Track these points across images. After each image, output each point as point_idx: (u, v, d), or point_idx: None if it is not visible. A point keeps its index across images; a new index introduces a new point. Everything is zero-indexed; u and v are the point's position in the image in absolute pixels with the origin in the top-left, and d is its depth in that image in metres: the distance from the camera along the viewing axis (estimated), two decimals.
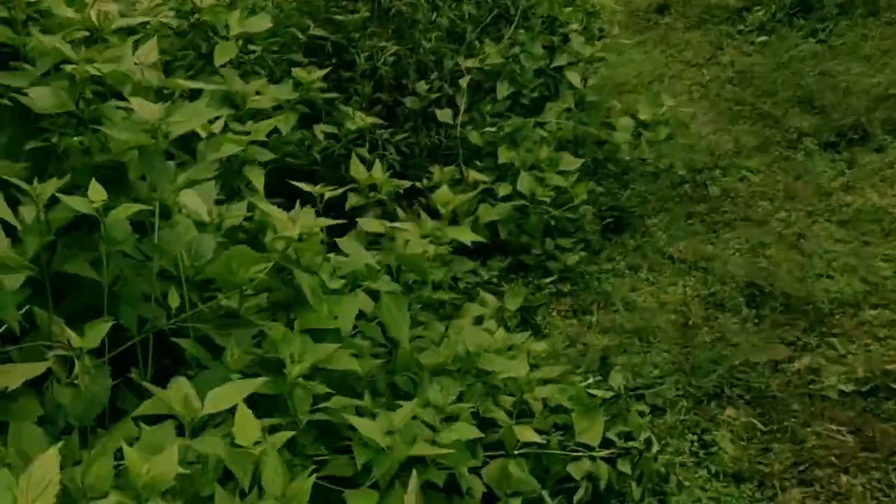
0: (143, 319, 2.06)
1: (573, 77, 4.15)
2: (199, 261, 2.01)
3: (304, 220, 2.07)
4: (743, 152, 4.88)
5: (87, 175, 2.15)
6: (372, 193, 3.46)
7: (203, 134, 2.41)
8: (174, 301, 1.95)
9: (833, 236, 4.06)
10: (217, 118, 2.32)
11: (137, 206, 1.85)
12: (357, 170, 3.32)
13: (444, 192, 2.56)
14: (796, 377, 3.20)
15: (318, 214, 2.79)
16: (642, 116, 4.09)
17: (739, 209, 4.36)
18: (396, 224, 2.43)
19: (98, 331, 1.83)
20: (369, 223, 2.47)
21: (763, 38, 6.27)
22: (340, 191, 2.60)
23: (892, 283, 3.67)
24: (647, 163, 4.41)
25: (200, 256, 2.00)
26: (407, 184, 3.55)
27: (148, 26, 3.42)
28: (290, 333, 2.10)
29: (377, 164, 3.41)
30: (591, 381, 2.96)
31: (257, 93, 3.29)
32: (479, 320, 3.41)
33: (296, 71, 3.39)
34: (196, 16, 3.31)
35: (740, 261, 3.94)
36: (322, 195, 2.59)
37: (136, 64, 2.09)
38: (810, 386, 3.15)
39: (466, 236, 2.49)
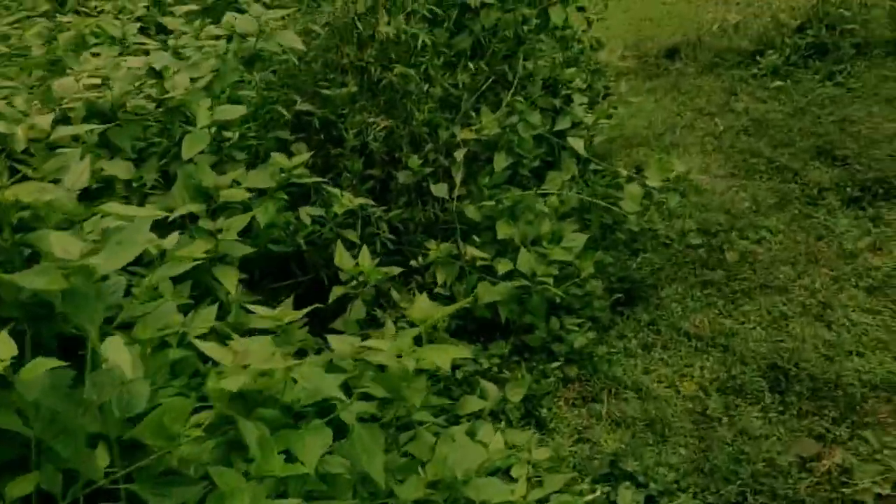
0: (73, 476, 1.79)
1: (576, 143, 3.86)
2: (132, 411, 1.74)
3: (257, 359, 1.79)
4: (760, 210, 4.55)
5: (16, 310, 1.91)
6: (361, 276, 3.21)
7: (153, 251, 2.16)
8: (102, 460, 1.68)
9: (861, 306, 3.71)
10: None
11: (52, 362, 1.58)
12: (342, 259, 3.06)
13: (421, 306, 2.27)
14: (826, 478, 2.84)
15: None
16: (651, 183, 3.77)
17: (759, 275, 4.01)
18: (367, 343, 2.14)
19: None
20: (339, 341, 2.19)
21: (778, 82, 5.96)
22: (301, 314, 2.32)
23: None
24: (658, 230, 4.10)
25: (132, 407, 1.73)
26: (397, 270, 3.28)
27: (122, 112, 3.22)
28: (243, 483, 1.82)
29: (364, 251, 3.14)
30: (598, 493, 2.64)
31: (236, 181, 3.04)
32: (478, 415, 3.13)
33: (275, 156, 3.14)
34: (168, 100, 3.08)
35: (761, 336, 3.60)
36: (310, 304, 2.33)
37: (68, 189, 1.84)
38: (843, 489, 2.79)
39: (446, 358, 2.19)
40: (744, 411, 3.18)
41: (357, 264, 3.07)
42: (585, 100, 4.28)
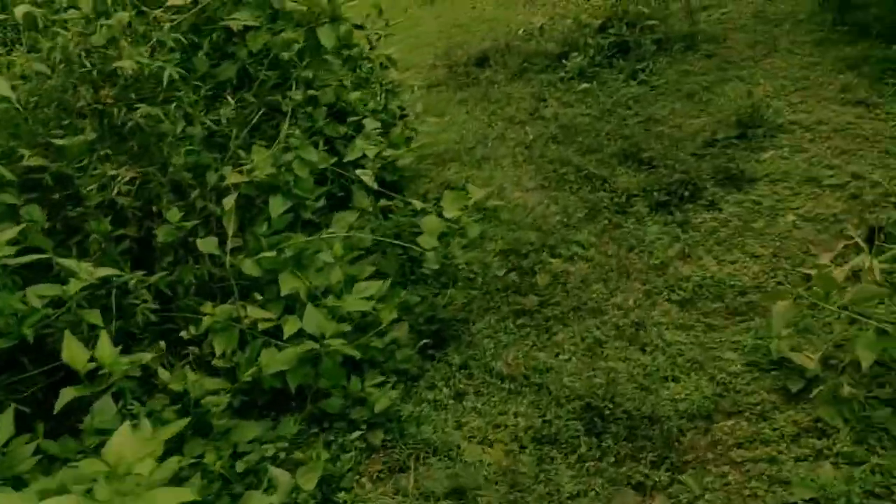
0: None
1: (365, 176, 3.40)
2: None
3: None
4: (571, 223, 4.26)
5: None
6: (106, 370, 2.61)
7: None
8: None
9: (674, 322, 3.47)
10: None
11: None
12: (72, 353, 2.46)
13: (118, 443, 1.72)
14: None
15: None
16: (449, 214, 3.37)
17: (571, 297, 3.71)
18: None
19: None
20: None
21: (584, 85, 5.75)
22: None
23: (743, 380, 3.08)
24: (459, 264, 3.70)
25: None
26: (146, 357, 2.71)
27: None
28: None
29: (103, 339, 2.55)
30: None
31: None
32: None
33: None
34: None
35: (576, 368, 3.28)
36: None
37: None
38: None
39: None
40: (559, 465, 2.82)
41: (93, 356, 2.48)
42: (378, 124, 3.82)
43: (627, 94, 5.51)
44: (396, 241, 3.31)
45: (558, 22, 6.69)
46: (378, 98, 4.12)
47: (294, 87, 3.34)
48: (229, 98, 3.17)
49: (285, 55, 3.33)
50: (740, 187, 4.29)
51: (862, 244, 3.39)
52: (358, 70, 4.06)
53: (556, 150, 5.01)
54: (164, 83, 3.03)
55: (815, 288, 3.00)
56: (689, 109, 5.22)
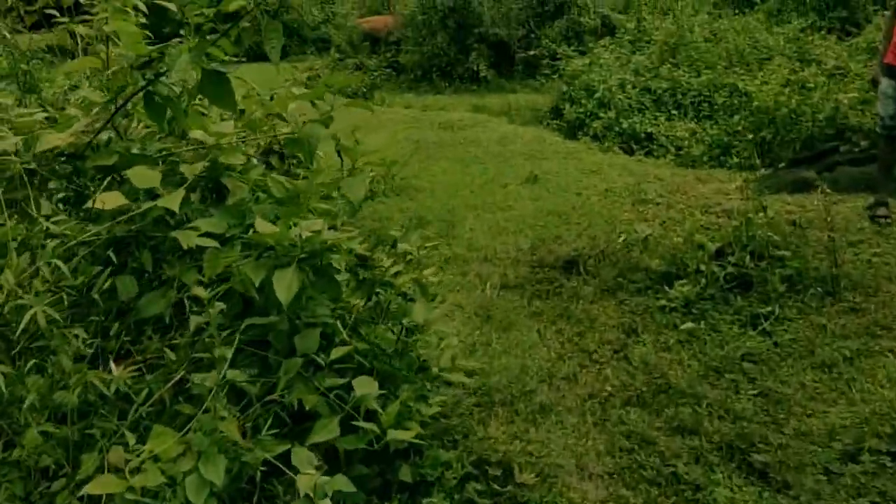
0: None
1: (306, 489, 2.09)
2: None
3: None
4: None
5: None
6: None
7: None
8: None
9: None
10: None
11: None
12: None
13: None
14: None
15: None
16: None
17: None
18: None
19: None
20: None
21: (689, 324, 4.31)
22: None
23: None
24: None
25: None
26: None
27: None
28: None
29: None
30: None
31: None
32: None
33: None
34: None
35: None
36: None
37: None
38: None
39: None
40: None
41: None
42: (374, 386, 2.54)
43: (743, 349, 4.02)
44: None
45: (668, 234, 5.34)
46: (397, 335, 2.88)
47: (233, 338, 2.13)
48: (114, 365, 1.99)
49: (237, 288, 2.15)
50: None
51: None
52: (376, 298, 2.85)
53: (638, 418, 3.56)
54: (20, 328, 1.89)
55: None
56: (825, 390, 3.67)
